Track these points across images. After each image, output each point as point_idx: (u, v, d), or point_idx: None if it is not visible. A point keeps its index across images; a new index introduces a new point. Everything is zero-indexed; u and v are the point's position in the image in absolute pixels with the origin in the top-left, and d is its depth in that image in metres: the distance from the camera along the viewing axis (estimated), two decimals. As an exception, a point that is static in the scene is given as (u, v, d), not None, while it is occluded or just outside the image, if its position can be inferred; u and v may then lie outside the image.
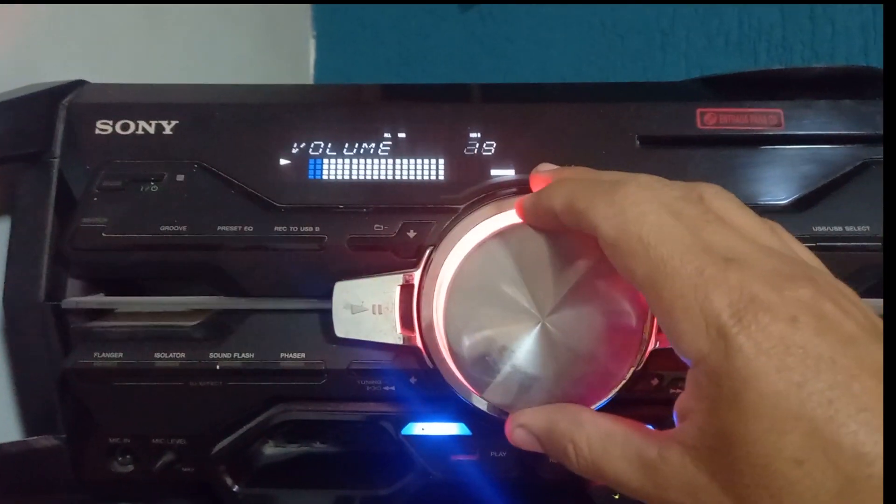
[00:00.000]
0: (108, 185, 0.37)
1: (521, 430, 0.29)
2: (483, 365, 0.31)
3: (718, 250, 0.23)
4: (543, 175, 0.32)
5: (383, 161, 0.37)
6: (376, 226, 0.36)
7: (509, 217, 0.33)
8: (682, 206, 0.24)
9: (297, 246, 0.36)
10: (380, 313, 0.35)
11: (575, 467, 0.26)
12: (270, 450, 0.42)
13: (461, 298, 0.32)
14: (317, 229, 0.36)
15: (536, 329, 0.30)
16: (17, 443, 0.38)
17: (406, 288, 0.35)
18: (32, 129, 0.38)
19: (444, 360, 0.33)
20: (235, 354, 0.36)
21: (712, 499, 0.22)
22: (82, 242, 0.36)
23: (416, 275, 0.35)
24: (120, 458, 0.39)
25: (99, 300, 0.38)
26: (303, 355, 0.36)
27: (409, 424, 0.37)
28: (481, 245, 0.32)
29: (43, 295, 0.37)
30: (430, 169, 0.37)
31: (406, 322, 0.35)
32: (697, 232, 0.23)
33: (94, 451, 0.39)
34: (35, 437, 0.39)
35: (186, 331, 0.37)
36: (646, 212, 0.24)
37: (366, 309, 0.35)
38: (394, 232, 0.36)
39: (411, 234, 0.36)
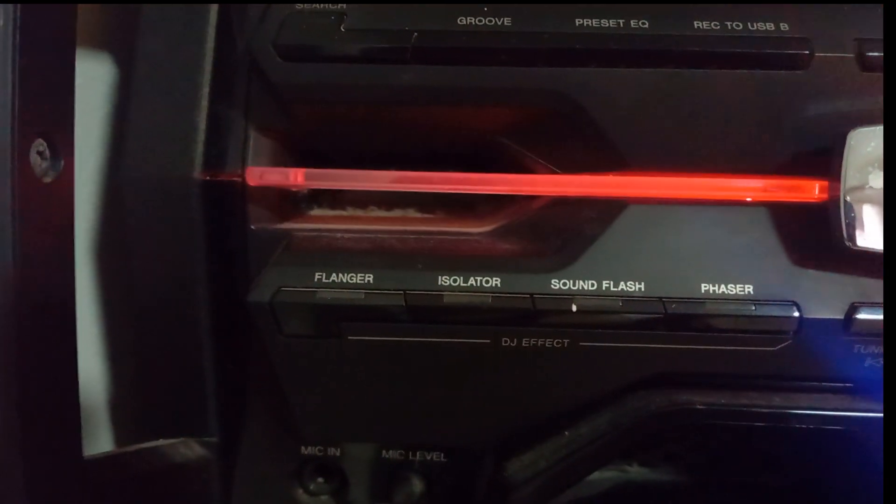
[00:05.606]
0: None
1: None
2: None
3: None
4: None
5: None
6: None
7: None
8: None
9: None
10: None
11: None
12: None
13: None
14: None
15: None
16: (155, 449, 0.20)
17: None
18: None
19: None
20: (592, 283, 0.18)
21: None
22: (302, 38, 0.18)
23: None
24: (314, 484, 0.21)
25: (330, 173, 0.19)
26: (749, 289, 0.18)
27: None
28: None
29: (199, 168, 0.19)
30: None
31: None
32: None
33: (273, 471, 0.21)
34: (171, 441, 0.21)
35: (477, 238, 0.19)
36: None
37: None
38: None
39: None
